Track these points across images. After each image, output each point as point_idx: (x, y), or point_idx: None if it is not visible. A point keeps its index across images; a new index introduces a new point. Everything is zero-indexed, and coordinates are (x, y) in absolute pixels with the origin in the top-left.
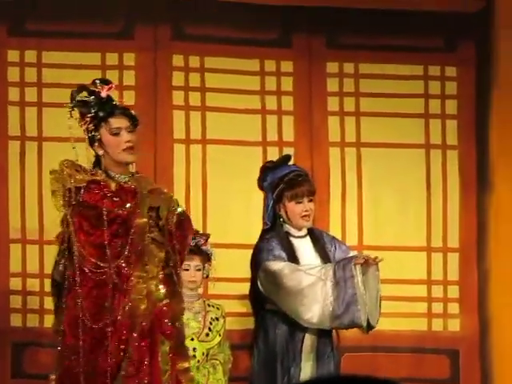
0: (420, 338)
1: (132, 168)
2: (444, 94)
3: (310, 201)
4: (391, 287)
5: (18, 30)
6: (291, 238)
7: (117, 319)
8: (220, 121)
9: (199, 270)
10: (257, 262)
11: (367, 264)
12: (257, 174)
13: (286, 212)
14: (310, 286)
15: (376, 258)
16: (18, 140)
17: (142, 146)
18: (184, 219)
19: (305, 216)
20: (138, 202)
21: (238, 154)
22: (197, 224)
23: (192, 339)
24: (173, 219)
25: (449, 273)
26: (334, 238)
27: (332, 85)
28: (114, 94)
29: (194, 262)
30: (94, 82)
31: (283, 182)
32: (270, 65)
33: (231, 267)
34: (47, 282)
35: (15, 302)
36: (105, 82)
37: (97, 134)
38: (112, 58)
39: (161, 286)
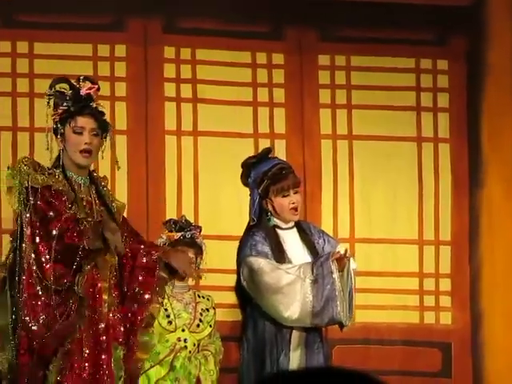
0: (412, 330)
1: (90, 167)
2: (436, 87)
3: (296, 192)
4: (383, 280)
5: (10, 22)
6: (278, 230)
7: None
8: (211, 113)
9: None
10: (240, 257)
11: (341, 260)
12: None
13: (274, 206)
14: (289, 284)
15: (346, 251)
16: (10, 131)
17: (134, 137)
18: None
19: (292, 208)
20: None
21: (230, 146)
22: (189, 215)
23: (183, 330)
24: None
25: (441, 266)
26: (322, 231)
27: (324, 77)
28: (105, 88)
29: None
30: (78, 78)
31: (267, 177)
32: (261, 57)
33: (222, 259)
34: None
35: None
36: (90, 80)
37: (61, 127)
38: (103, 50)
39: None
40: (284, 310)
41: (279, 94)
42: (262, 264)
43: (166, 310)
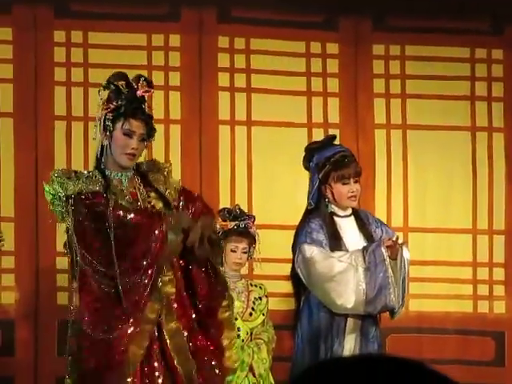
0: (465, 319)
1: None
2: (490, 76)
3: (356, 182)
4: (436, 269)
5: (65, 12)
6: (335, 218)
7: None
8: (265, 102)
9: (245, 252)
10: (295, 244)
11: (393, 247)
12: (302, 156)
13: (332, 193)
14: (342, 272)
15: (397, 238)
16: (65, 120)
17: (187, 127)
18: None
19: (351, 197)
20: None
21: (283, 136)
22: (242, 204)
23: (236, 319)
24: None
25: (494, 255)
26: (381, 221)
27: (378, 67)
28: (159, 78)
29: (241, 245)
30: (137, 77)
31: (330, 163)
32: (315, 47)
33: (275, 248)
34: None
35: (61, 280)
36: (148, 83)
37: (111, 125)
38: (158, 40)
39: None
40: (337, 297)
41: (333, 84)
42: (314, 253)
43: None
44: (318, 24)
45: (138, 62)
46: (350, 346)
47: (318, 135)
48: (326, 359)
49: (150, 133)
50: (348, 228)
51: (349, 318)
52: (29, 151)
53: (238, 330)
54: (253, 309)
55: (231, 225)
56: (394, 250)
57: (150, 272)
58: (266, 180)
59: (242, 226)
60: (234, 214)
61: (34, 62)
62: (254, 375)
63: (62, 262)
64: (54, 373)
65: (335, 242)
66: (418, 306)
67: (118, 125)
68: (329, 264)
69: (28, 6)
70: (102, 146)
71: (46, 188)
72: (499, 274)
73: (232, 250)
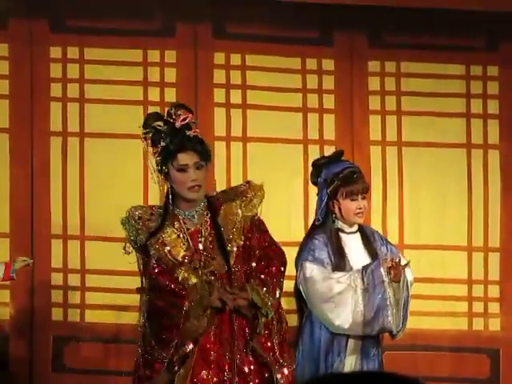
0: (460, 337)
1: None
2: (486, 93)
3: (364, 198)
4: (431, 286)
5: (60, 27)
6: (341, 234)
7: None
8: (261, 119)
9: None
10: (298, 260)
11: (396, 269)
12: (298, 172)
13: (340, 208)
14: (340, 293)
15: (400, 260)
16: (60, 136)
17: None
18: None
19: (358, 213)
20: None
21: (279, 152)
22: None
23: None
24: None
25: (489, 272)
26: (386, 239)
27: (373, 83)
28: (154, 94)
29: None
30: (170, 109)
31: (338, 179)
32: (311, 63)
33: None
34: (88, 277)
35: (56, 296)
36: (183, 108)
37: (165, 167)
38: (153, 55)
39: None
40: (335, 318)
41: (329, 100)
42: (314, 272)
43: None
44: (313, 40)
45: (134, 77)
46: (350, 362)
47: (314, 152)
48: (326, 373)
49: (204, 157)
50: (353, 245)
51: (350, 337)
52: (24, 167)
53: None
54: None
55: None
56: (397, 272)
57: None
58: None
59: None
60: None
61: (29, 77)
62: None
63: (57, 278)
64: None
65: (339, 258)
66: (412, 323)
67: (170, 165)
68: (328, 285)
69: (24, 22)
70: (168, 190)
71: (122, 221)
72: (494, 291)
73: None
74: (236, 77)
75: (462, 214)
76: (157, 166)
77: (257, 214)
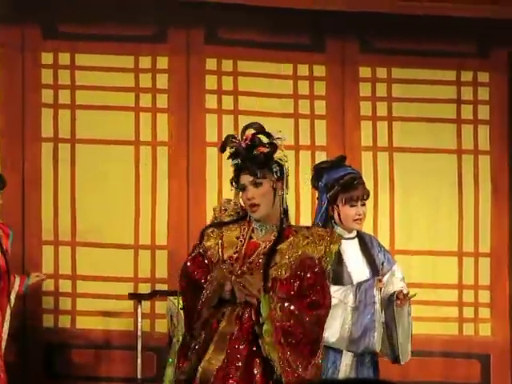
0: (451, 342)
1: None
2: (476, 99)
3: (363, 204)
4: (422, 291)
5: (52, 33)
6: None
7: None
8: None
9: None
10: None
11: (401, 302)
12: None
13: (339, 214)
14: (332, 307)
15: (407, 293)
16: (51, 142)
17: (175, 148)
18: None
19: (357, 219)
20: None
21: None
22: None
23: None
24: None
25: (480, 278)
26: (384, 247)
27: (364, 89)
28: (146, 99)
29: None
30: (243, 129)
31: (338, 185)
32: (302, 69)
33: None
34: (79, 284)
35: (47, 302)
36: (252, 127)
37: (235, 184)
38: (145, 61)
39: None
40: (325, 329)
41: (320, 106)
42: None
43: None
44: (305, 46)
45: (126, 83)
46: (345, 369)
47: (305, 157)
48: (321, 380)
49: (263, 171)
50: (351, 251)
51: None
52: (16, 173)
53: None
54: None
55: None
56: (404, 302)
57: None
58: None
59: None
60: None
61: (21, 83)
62: None
63: (48, 285)
64: None
65: (337, 264)
66: None
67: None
68: None
69: (16, 28)
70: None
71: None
72: (485, 296)
73: None
74: (228, 83)
75: (452, 220)
76: (232, 183)
77: (321, 259)
